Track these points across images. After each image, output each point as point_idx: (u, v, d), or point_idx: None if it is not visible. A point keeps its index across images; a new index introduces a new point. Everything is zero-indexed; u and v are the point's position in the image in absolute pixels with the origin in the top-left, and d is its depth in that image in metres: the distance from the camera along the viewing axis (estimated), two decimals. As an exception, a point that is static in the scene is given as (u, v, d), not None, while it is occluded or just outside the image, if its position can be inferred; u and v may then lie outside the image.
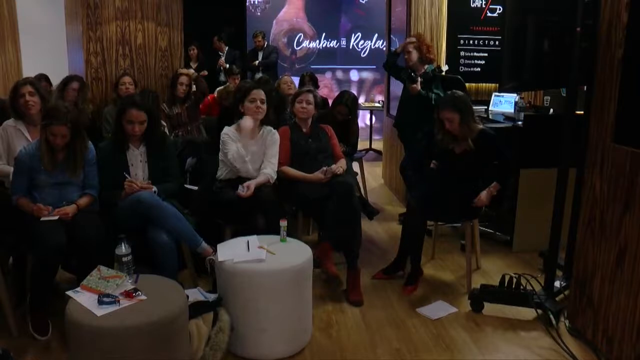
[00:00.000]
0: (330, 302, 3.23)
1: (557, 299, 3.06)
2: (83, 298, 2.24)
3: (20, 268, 3.04)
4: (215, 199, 3.36)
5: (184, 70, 5.14)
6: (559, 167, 2.98)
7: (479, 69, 5.37)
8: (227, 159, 3.36)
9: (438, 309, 3.14)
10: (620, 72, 2.47)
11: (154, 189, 3.10)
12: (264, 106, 3.42)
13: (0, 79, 4.55)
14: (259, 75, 7.57)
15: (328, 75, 9.35)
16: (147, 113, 3.13)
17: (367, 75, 9.43)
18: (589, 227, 2.73)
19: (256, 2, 9.05)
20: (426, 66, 4.35)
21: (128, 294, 2.24)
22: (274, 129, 3.63)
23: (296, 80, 5.82)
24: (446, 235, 4.32)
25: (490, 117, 4.85)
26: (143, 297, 2.25)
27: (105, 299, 2.19)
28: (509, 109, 4.94)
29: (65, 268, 3.12)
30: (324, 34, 9.30)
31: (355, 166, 5.02)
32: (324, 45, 9.35)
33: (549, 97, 4.91)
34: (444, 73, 4.64)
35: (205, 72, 7.36)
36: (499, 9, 5.19)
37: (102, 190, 3.10)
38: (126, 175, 3.08)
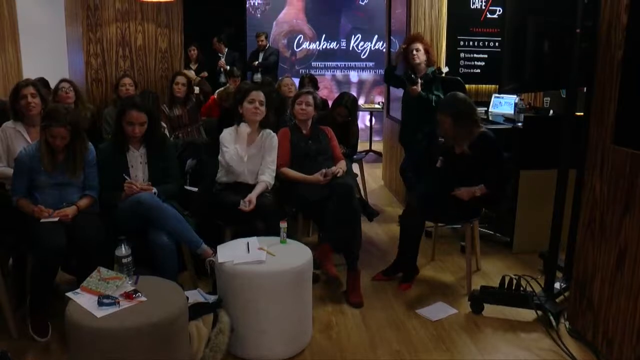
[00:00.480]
0: (330, 303, 3.23)
1: (557, 300, 3.06)
2: (83, 299, 2.24)
3: (20, 269, 3.04)
4: (216, 201, 3.36)
5: (185, 72, 5.15)
6: (559, 169, 2.98)
7: (478, 70, 5.37)
8: (225, 160, 3.36)
9: (438, 311, 3.13)
10: (620, 73, 2.47)
11: (154, 190, 3.10)
12: (263, 108, 3.40)
13: (0, 80, 4.55)
14: (258, 76, 7.59)
15: (328, 76, 9.36)
16: (148, 114, 3.13)
17: (367, 76, 9.43)
18: (589, 228, 2.73)
19: (256, 4, 9.06)
20: (427, 68, 4.36)
21: (128, 296, 2.24)
22: (274, 130, 3.63)
23: (296, 81, 5.83)
24: (446, 237, 4.32)
25: (490, 118, 4.85)
26: (143, 299, 2.25)
27: (105, 301, 2.19)
28: (509, 110, 4.94)
29: (65, 269, 3.12)
30: (324, 36, 9.30)
31: (355, 167, 5.02)
32: (323, 47, 9.36)
33: (548, 99, 4.92)
34: (444, 75, 4.64)
35: (205, 74, 7.37)
36: (499, 10, 5.19)
37: (102, 191, 3.10)
38: (126, 176, 3.08)
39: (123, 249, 2.48)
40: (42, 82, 4.15)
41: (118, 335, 2.09)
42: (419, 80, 4.21)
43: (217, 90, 5.67)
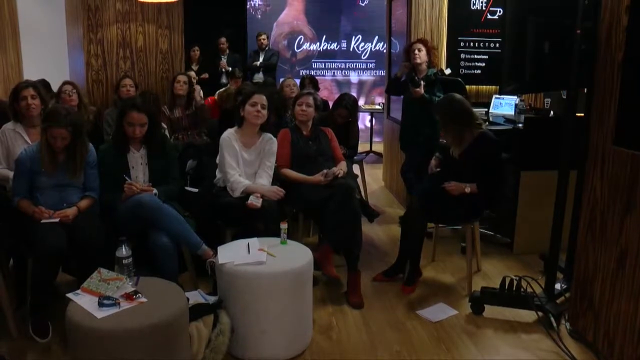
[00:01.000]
0: (330, 304, 3.23)
1: (557, 301, 3.06)
2: (83, 300, 2.24)
3: (21, 270, 3.04)
4: (216, 202, 3.36)
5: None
6: (560, 170, 2.98)
7: (479, 71, 5.36)
8: (223, 163, 3.35)
9: (438, 312, 3.13)
10: (620, 74, 2.47)
11: (155, 191, 3.10)
12: (265, 111, 3.39)
13: (1, 81, 4.56)
14: (259, 76, 7.60)
15: (328, 77, 9.36)
16: (148, 115, 3.14)
17: (368, 77, 9.43)
18: (589, 229, 2.73)
19: (257, 5, 9.06)
20: (428, 70, 4.36)
21: (128, 297, 2.24)
22: (275, 131, 3.62)
23: (296, 82, 5.83)
24: (447, 238, 4.32)
25: (491, 119, 4.85)
26: (143, 300, 2.25)
27: (106, 302, 2.19)
28: (510, 111, 4.93)
29: (66, 270, 3.12)
30: (324, 37, 9.31)
31: (356, 168, 5.02)
32: (324, 48, 9.36)
33: (549, 100, 4.91)
34: (446, 76, 4.64)
35: (206, 75, 7.38)
36: (499, 11, 5.19)
37: (102, 192, 3.10)
38: (126, 177, 3.09)
39: (123, 250, 2.48)
40: (43, 84, 4.16)
41: (118, 337, 2.09)
42: (422, 82, 4.21)
43: (218, 91, 5.67)
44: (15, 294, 3.04)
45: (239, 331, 2.58)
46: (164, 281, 2.53)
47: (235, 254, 2.69)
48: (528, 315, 3.01)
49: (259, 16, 9.09)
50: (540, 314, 2.93)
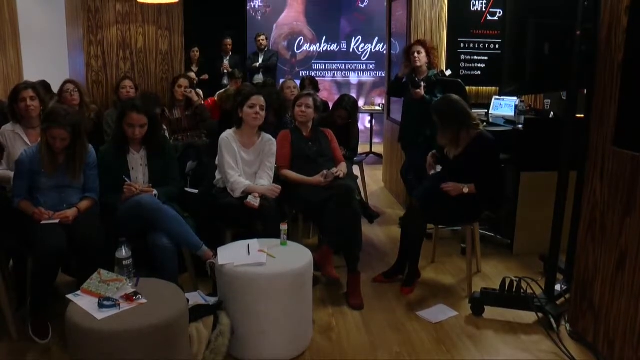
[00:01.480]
0: (330, 305, 3.23)
1: (557, 302, 3.06)
2: (83, 301, 2.23)
3: (21, 271, 3.03)
4: (216, 203, 3.36)
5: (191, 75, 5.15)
6: (560, 170, 2.98)
7: (479, 73, 5.37)
8: (222, 164, 3.35)
9: (438, 313, 3.13)
10: (620, 75, 2.47)
11: (155, 192, 3.10)
12: (263, 113, 3.39)
13: (1, 82, 4.56)
14: (259, 76, 7.60)
15: (328, 78, 9.36)
16: (148, 116, 3.14)
17: (367, 78, 9.43)
18: (589, 230, 2.73)
19: (257, 6, 9.07)
20: (429, 71, 4.36)
21: (128, 298, 2.24)
22: (274, 132, 3.62)
23: (297, 84, 5.83)
24: (446, 239, 4.32)
25: (491, 120, 4.85)
26: (143, 301, 2.25)
27: (106, 303, 2.19)
28: (510, 112, 4.93)
29: (66, 271, 3.12)
30: (324, 38, 9.31)
31: (356, 169, 5.02)
32: (324, 49, 9.36)
33: (549, 101, 4.91)
34: (447, 77, 4.64)
35: (206, 76, 7.38)
36: (499, 13, 5.19)
37: (102, 193, 3.10)
38: (126, 178, 3.08)
39: (123, 251, 2.48)
40: (43, 85, 4.16)
41: (118, 337, 2.08)
42: (422, 84, 4.21)
43: (218, 92, 5.67)
44: (15, 294, 3.04)
45: (239, 332, 2.58)
46: (164, 282, 2.53)
47: (235, 255, 2.69)
48: (528, 317, 3.01)
49: (259, 17, 9.10)
50: (540, 315, 2.93)
